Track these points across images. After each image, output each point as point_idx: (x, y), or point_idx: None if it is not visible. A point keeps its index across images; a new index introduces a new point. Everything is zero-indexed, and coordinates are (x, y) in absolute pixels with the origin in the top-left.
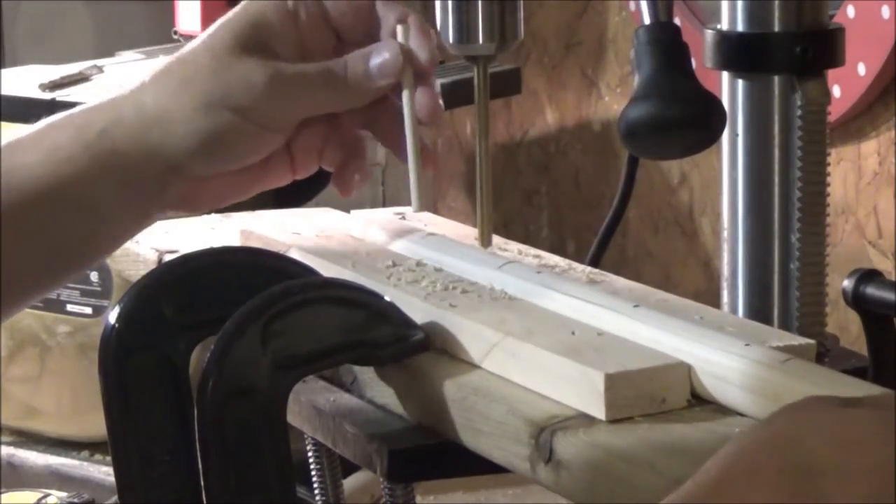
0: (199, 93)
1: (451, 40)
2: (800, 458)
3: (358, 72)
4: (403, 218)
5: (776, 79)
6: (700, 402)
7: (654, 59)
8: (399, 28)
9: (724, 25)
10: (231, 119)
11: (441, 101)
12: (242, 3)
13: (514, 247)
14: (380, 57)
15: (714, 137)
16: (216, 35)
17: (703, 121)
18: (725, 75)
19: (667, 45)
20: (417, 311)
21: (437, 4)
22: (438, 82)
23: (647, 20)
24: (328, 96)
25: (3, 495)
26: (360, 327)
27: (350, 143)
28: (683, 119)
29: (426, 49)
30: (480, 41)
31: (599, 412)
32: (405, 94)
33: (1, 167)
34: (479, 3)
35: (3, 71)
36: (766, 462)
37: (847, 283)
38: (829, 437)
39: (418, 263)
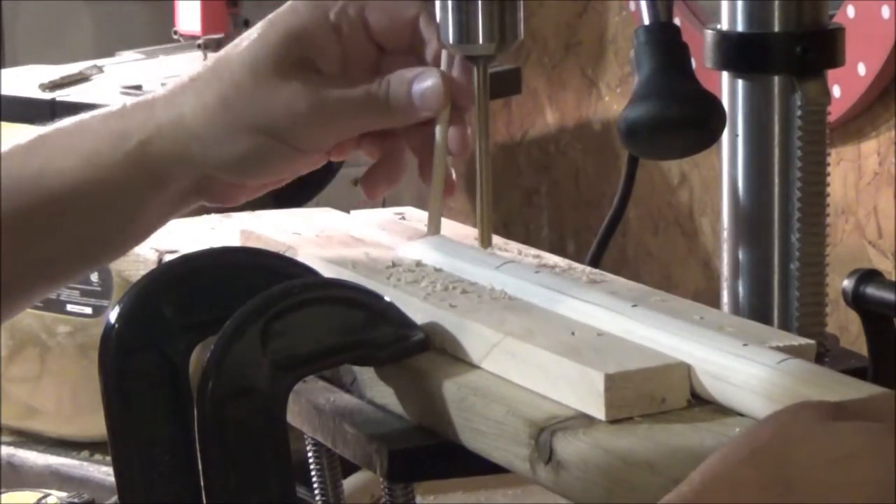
0: (239, 116)
1: (451, 40)
2: (784, 473)
3: (400, 97)
4: (403, 218)
5: (776, 79)
6: (700, 402)
7: (653, 59)
8: (444, 55)
9: (724, 25)
10: (270, 143)
11: (469, 133)
12: (280, 13)
13: (513, 247)
14: (423, 84)
15: (714, 138)
16: (255, 51)
17: (703, 121)
18: (725, 75)
19: (666, 46)
20: (417, 311)
21: (437, 4)
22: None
23: (646, 20)
24: (369, 121)
25: (3, 495)
26: (360, 328)
27: (389, 139)
28: (683, 119)
29: (467, 83)
30: (480, 41)
31: (599, 412)
32: (440, 126)
33: (26, 168)
34: (479, 3)
35: (3, 71)
36: (749, 476)
37: (847, 284)
38: (815, 450)
39: (418, 264)
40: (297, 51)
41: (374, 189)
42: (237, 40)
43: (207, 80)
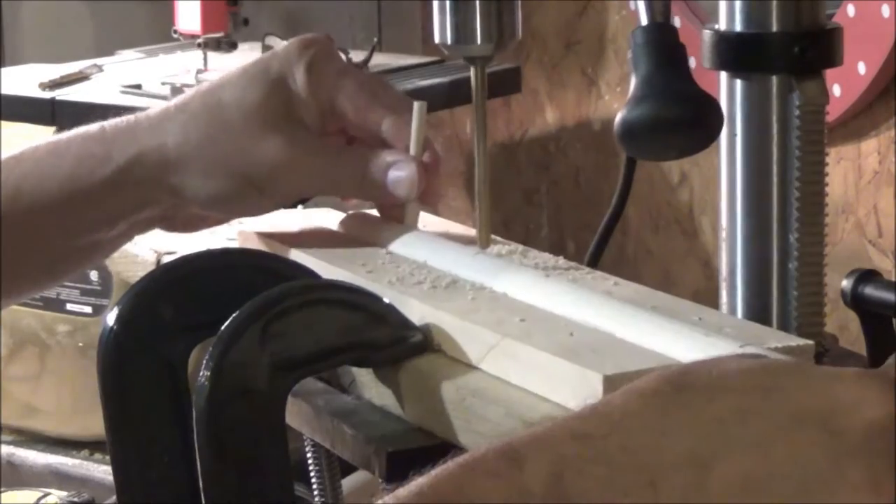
0: (221, 157)
1: (448, 41)
2: (681, 379)
3: (375, 179)
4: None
5: (774, 79)
6: None
7: (650, 60)
8: (413, 132)
9: (722, 25)
10: (246, 187)
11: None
12: (269, 58)
13: (513, 247)
14: (399, 173)
15: (711, 138)
16: (248, 95)
17: (700, 121)
18: (724, 75)
19: (663, 46)
20: (416, 312)
21: (435, 5)
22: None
23: (643, 21)
24: (342, 190)
25: (3, 494)
26: (359, 329)
27: None
28: (680, 120)
29: (437, 168)
30: (478, 42)
31: None
32: (409, 206)
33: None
34: (477, 3)
35: (3, 70)
36: (655, 382)
37: (845, 284)
38: (713, 363)
39: (417, 264)
40: (284, 102)
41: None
42: (228, 76)
43: (195, 114)
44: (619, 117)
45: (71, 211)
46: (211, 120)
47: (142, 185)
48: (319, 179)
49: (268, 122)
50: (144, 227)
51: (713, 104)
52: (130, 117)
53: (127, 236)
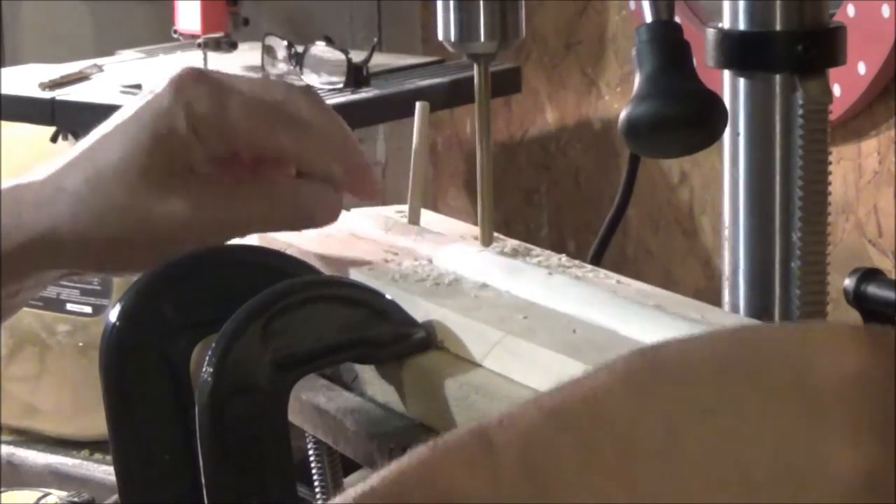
0: (119, 233)
1: (452, 39)
2: (653, 353)
3: (288, 215)
4: (405, 216)
5: (777, 78)
6: None
7: (654, 57)
8: (415, 142)
9: (726, 24)
10: (151, 253)
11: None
12: (145, 111)
13: (515, 245)
14: (313, 203)
15: (715, 136)
16: (129, 161)
17: (704, 119)
18: (727, 74)
19: (668, 44)
20: (418, 309)
21: (439, 3)
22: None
23: (648, 18)
24: (255, 228)
25: (3, 494)
26: (361, 326)
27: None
28: (684, 118)
29: (364, 168)
30: (482, 39)
31: None
32: (411, 204)
33: None
34: (481, 1)
35: (3, 70)
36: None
37: (848, 282)
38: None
39: (419, 261)
40: (169, 155)
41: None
42: (103, 134)
43: (79, 195)
44: (623, 114)
45: None
46: (98, 197)
47: (32, 266)
48: (228, 228)
49: (156, 184)
50: (34, 291)
51: (717, 102)
52: (9, 189)
53: (15, 307)
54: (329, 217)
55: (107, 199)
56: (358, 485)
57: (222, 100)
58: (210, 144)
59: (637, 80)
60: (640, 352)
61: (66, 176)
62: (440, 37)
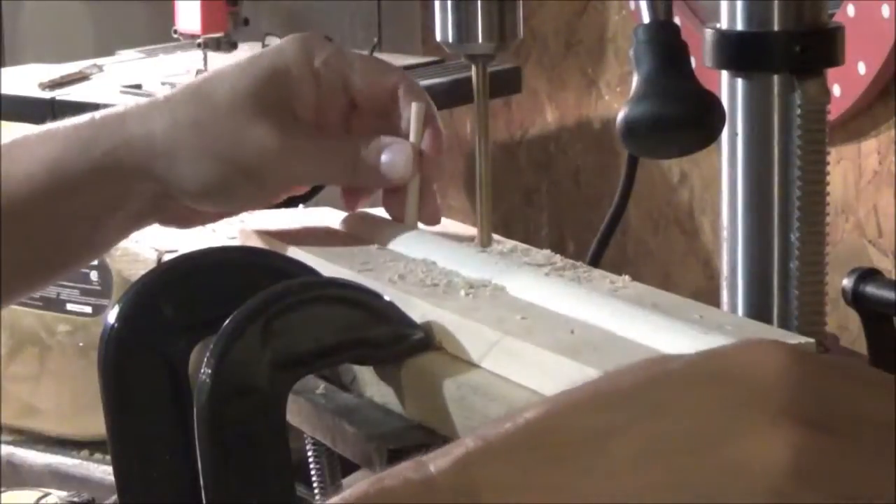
0: (209, 142)
1: (450, 39)
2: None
3: (369, 163)
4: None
5: (776, 78)
6: None
7: (652, 58)
8: (413, 126)
9: (724, 24)
10: (235, 176)
11: (439, 203)
12: (267, 50)
13: (514, 245)
14: (393, 156)
15: (713, 136)
16: (237, 82)
17: (702, 120)
18: (725, 74)
19: (665, 44)
20: (416, 310)
21: (437, 3)
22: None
23: (646, 19)
24: (334, 177)
25: (3, 494)
26: (360, 327)
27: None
28: (682, 118)
29: (436, 154)
30: (480, 40)
31: None
32: (409, 193)
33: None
34: (479, 2)
35: (3, 70)
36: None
37: (847, 282)
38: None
39: (417, 262)
40: (277, 90)
41: (355, 202)
42: (221, 70)
43: (184, 101)
44: (621, 115)
45: (58, 198)
46: (200, 107)
47: (128, 172)
48: (312, 166)
49: (258, 109)
50: (136, 221)
51: (715, 102)
52: (120, 107)
53: (120, 232)
54: (405, 174)
55: (208, 110)
56: None
57: (345, 53)
58: (326, 89)
59: (635, 80)
60: (573, 382)
61: (178, 93)
62: (438, 38)
